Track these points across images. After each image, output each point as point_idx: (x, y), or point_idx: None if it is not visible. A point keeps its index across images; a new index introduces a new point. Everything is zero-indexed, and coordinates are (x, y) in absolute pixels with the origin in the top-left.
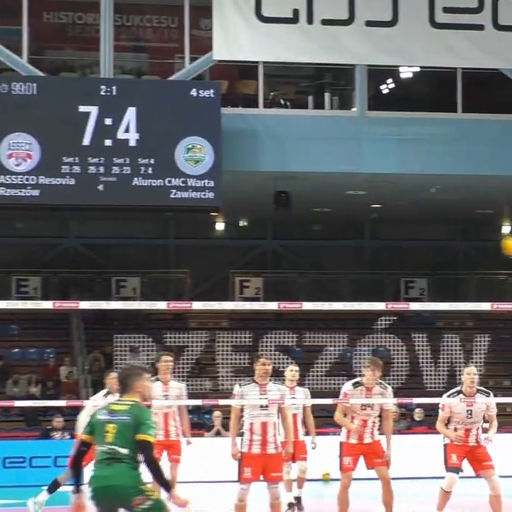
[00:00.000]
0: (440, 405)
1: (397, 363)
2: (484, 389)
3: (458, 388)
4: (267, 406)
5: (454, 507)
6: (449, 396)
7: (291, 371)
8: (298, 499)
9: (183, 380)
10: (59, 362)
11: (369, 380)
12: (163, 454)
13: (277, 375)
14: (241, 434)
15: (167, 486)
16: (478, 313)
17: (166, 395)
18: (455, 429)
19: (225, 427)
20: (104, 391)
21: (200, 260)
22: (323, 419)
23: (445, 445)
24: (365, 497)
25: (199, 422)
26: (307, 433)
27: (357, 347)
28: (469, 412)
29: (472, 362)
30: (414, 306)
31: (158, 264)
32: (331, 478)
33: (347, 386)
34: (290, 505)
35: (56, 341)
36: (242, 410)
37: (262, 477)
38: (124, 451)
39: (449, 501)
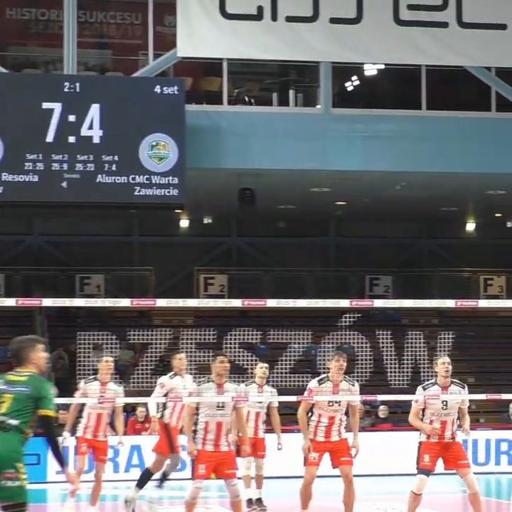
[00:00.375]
0: (414, 399)
1: (362, 360)
2: (458, 381)
3: (432, 380)
4: (223, 406)
5: (430, 506)
6: (424, 388)
7: (261, 368)
8: (259, 499)
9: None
10: None
11: (334, 375)
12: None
13: (242, 372)
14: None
15: (62, 461)
16: (442, 311)
17: (103, 396)
18: (431, 422)
19: None
20: (171, 373)
21: (165, 257)
22: (289, 417)
23: (420, 443)
24: (333, 494)
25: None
26: (269, 431)
27: (321, 344)
28: (444, 403)
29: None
30: (379, 303)
31: (122, 261)
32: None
33: (313, 383)
34: (249, 501)
35: None
36: (197, 408)
37: (214, 475)
38: (14, 422)
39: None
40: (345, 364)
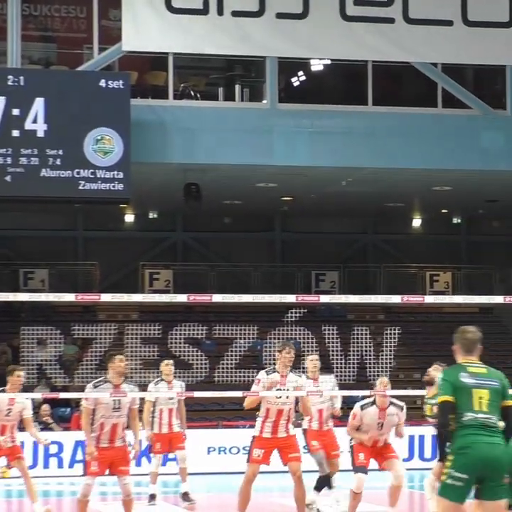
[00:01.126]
0: (351, 413)
1: (308, 355)
2: (398, 402)
3: (371, 399)
4: (119, 407)
5: (375, 501)
6: (362, 407)
7: (167, 365)
8: (185, 493)
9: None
10: None
11: (281, 366)
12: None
13: (187, 367)
14: None
15: None
16: (388, 306)
17: (10, 410)
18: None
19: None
20: (157, 379)
21: (109, 252)
22: (235, 412)
23: (352, 446)
24: (278, 490)
25: None
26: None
27: (267, 339)
28: (380, 424)
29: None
30: (325, 298)
31: (66, 256)
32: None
33: (261, 374)
34: (152, 496)
35: None
36: (94, 410)
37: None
38: None
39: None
40: (294, 355)
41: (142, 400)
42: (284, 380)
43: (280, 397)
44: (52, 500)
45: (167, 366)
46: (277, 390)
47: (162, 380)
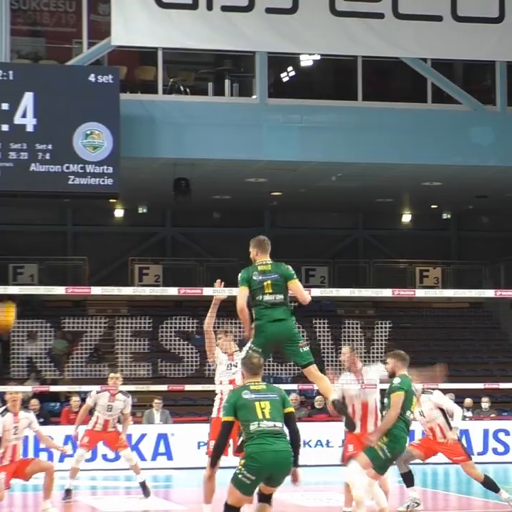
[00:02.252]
0: None
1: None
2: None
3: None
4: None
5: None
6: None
7: (112, 379)
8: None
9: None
10: None
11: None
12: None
13: (178, 361)
14: None
15: None
16: (378, 302)
17: (16, 427)
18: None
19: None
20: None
21: (99, 247)
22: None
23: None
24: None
25: None
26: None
27: None
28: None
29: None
30: (316, 292)
31: (55, 251)
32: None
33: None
34: (68, 491)
35: None
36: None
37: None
38: None
39: None
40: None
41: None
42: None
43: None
44: (41, 494)
45: (111, 380)
46: None
47: (107, 391)
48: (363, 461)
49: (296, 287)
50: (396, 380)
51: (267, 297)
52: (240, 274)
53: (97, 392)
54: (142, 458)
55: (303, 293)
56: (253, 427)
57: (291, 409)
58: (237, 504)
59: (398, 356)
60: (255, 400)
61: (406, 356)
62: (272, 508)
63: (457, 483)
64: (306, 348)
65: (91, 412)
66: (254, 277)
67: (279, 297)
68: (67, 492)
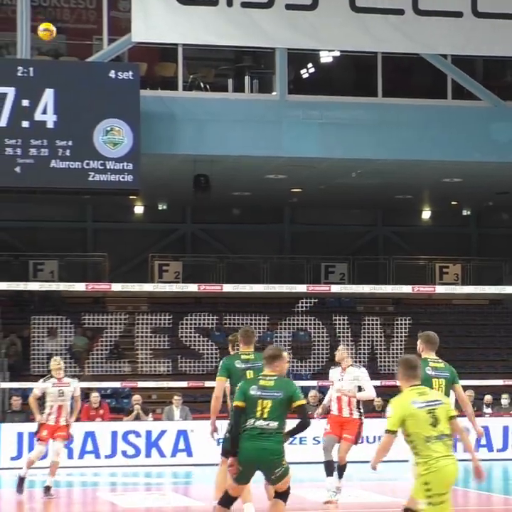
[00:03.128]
0: None
1: (318, 346)
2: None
3: None
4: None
5: (385, 492)
6: None
7: (55, 361)
8: (47, 487)
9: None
10: None
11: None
12: None
13: (198, 357)
14: None
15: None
16: (398, 299)
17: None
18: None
19: (145, 410)
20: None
21: (119, 244)
22: None
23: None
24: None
25: (118, 407)
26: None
27: (277, 329)
28: None
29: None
30: (336, 288)
31: (76, 247)
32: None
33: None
34: (47, 488)
35: None
36: None
37: None
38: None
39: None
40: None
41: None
42: None
43: None
44: (63, 491)
45: (55, 362)
46: None
47: (52, 376)
48: None
49: None
50: None
51: None
52: None
53: (43, 381)
54: (162, 454)
55: None
56: (249, 423)
57: (300, 402)
58: (233, 493)
59: (423, 337)
60: (259, 397)
61: (432, 339)
62: (285, 505)
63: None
64: None
65: (42, 404)
66: None
67: None
68: (47, 489)
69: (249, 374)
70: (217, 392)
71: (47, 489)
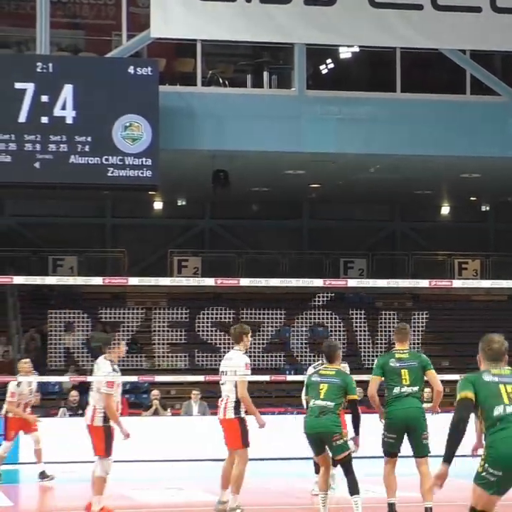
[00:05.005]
0: None
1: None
2: None
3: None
4: None
5: (409, 488)
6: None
7: (26, 363)
8: (43, 472)
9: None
10: None
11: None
12: None
13: (215, 351)
14: None
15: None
16: (416, 294)
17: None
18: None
19: (164, 405)
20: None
21: (138, 239)
22: (262, 400)
23: None
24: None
25: (136, 402)
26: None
27: (294, 324)
28: None
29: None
30: (353, 282)
31: (94, 243)
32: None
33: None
34: (42, 473)
35: None
36: None
37: None
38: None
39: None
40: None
41: None
42: None
43: None
44: (80, 485)
45: (25, 364)
46: None
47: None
48: None
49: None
50: None
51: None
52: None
53: (17, 385)
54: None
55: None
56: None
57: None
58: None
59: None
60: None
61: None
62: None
63: None
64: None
65: None
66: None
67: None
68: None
69: (405, 373)
70: (372, 391)
71: (42, 473)
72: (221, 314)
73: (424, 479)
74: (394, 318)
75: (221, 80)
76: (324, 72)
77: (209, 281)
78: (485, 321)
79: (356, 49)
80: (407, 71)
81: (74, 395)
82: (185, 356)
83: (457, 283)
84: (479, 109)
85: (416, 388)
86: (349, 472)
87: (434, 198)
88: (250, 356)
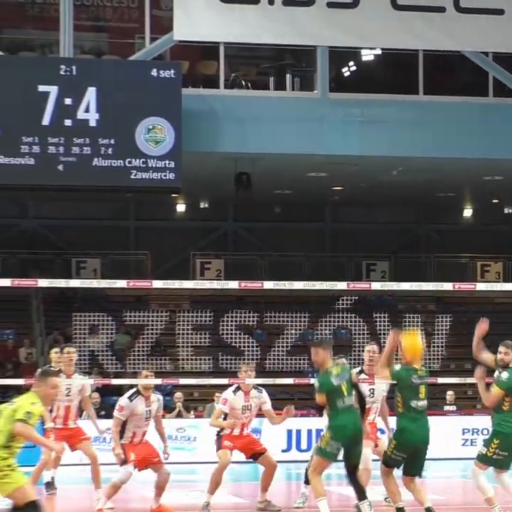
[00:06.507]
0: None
1: (359, 343)
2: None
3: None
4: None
5: (432, 490)
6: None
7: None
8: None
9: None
10: (18, 343)
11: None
12: None
13: (239, 354)
14: None
15: None
16: (439, 297)
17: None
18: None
19: (187, 408)
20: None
21: (161, 242)
22: (286, 402)
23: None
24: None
25: None
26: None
27: (318, 327)
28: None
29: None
30: (376, 285)
31: (118, 245)
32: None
33: (228, 393)
34: (48, 484)
35: (15, 323)
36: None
37: None
38: None
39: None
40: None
41: None
42: (248, 397)
43: (244, 413)
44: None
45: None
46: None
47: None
48: None
49: None
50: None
51: None
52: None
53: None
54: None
55: None
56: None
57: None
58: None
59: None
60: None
61: None
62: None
63: None
64: None
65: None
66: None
67: None
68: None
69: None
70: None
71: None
72: (245, 317)
73: (420, 492)
74: (417, 321)
75: (244, 83)
76: (347, 74)
77: (233, 285)
78: (508, 324)
79: (378, 51)
80: (429, 73)
81: (95, 397)
82: (209, 359)
83: (480, 286)
84: (502, 112)
85: None
86: None
87: (456, 200)
88: (274, 358)
